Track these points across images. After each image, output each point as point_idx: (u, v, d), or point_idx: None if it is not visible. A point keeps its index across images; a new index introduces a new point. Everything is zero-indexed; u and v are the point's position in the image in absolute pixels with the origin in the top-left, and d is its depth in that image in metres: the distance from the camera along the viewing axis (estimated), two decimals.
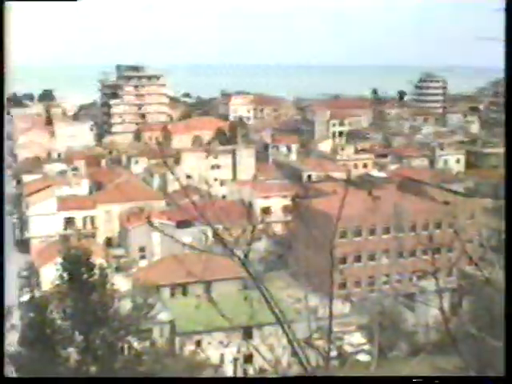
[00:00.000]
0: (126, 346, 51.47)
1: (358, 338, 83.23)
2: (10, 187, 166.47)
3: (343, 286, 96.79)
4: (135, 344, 53.05)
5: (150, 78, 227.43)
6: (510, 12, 13.41)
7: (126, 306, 55.24)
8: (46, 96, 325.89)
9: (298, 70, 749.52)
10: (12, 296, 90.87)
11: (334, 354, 69.86)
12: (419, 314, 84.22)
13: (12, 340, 47.22)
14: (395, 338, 76.96)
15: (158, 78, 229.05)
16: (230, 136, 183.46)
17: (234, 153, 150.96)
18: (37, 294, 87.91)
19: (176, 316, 76.48)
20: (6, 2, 16.03)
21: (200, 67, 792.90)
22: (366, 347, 78.62)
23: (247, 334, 69.92)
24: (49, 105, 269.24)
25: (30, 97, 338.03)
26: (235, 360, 74.97)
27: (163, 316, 74.04)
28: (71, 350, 48.47)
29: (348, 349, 79.23)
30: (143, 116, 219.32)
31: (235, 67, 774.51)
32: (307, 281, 77.49)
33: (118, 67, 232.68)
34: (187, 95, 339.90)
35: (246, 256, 11.12)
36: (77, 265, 47.78)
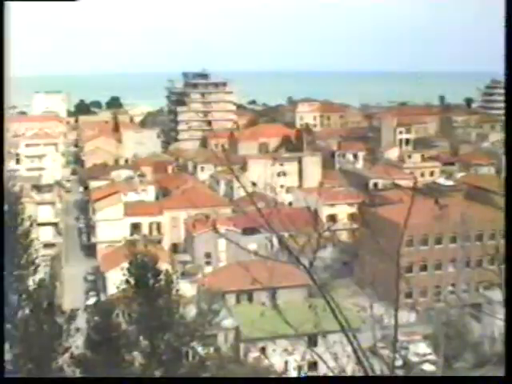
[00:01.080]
0: (190, 351, 51.73)
1: (423, 347, 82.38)
2: (76, 193, 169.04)
3: (409, 295, 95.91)
4: (200, 350, 53.28)
5: (216, 85, 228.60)
6: (510, 12, 13.26)
7: (191, 311, 55.53)
8: (114, 103, 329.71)
9: (364, 76, 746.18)
10: (78, 299, 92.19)
11: (398, 363, 69.25)
12: (485, 325, 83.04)
13: (77, 343, 47.82)
14: (461, 349, 75.96)
15: (224, 85, 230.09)
16: (296, 143, 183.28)
17: (300, 160, 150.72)
18: (102, 297, 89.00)
19: (241, 322, 76.58)
20: (5, 2, 16.11)
21: (266, 74, 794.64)
22: (431, 357, 77.75)
23: (312, 341, 69.65)
24: (116, 112, 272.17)
25: (98, 104, 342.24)
26: (299, 367, 74.74)
27: (228, 322, 74.27)
28: (136, 353, 48.87)
29: (413, 358, 78.46)
30: (210, 123, 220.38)
31: (302, 74, 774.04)
32: (373, 289, 76.95)
33: (185, 75, 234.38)
34: (253, 102, 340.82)
35: (311, 264, 11.11)
36: (143, 270, 48.20)
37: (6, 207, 43.41)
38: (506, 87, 13.31)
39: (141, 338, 48.47)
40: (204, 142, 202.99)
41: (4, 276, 25.63)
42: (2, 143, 18.55)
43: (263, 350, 74.18)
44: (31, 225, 46.31)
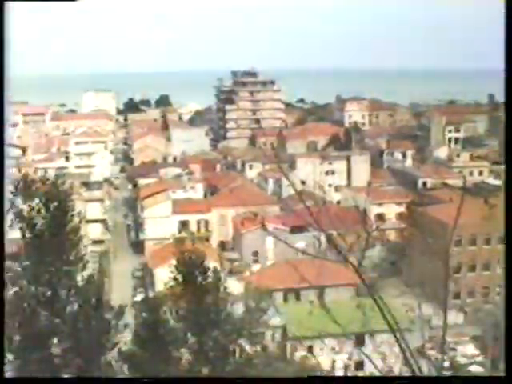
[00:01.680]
0: (237, 349, 51.82)
1: (471, 349, 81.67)
2: (125, 190, 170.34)
3: (457, 295, 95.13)
4: (247, 347, 53.34)
5: (265, 83, 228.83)
6: (510, 12, 13.16)
7: (238, 309, 55.65)
8: (163, 101, 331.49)
9: (413, 75, 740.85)
10: (126, 296, 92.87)
11: (446, 364, 68.72)
12: None
13: (125, 339, 48.16)
14: None
15: (272, 83, 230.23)
16: (344, 142, 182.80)
17: (348, 159, 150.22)
18: (150, 294, 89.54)
19: (288, 321, 76.56)
20: (5, 2, 16.16)
21: (315, 72, 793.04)
22: (479, 359, 77.05)
23: (359, 341, 69.41)
24: (165, 110, 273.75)
25: (147, 102, 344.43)
26: (346, 367, 74.59)
27: (275, 320, 74.30)
28: (183, 350, 49.07)
29: (461, 360, 77.81)
30: (258, 121, 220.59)
31: (351, 72, 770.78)
32: (421, 289, 76.47)
33: (234, 73, 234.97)
34: (302, 101, 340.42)
35: (359, 263, 11.08)
36: (191, 267, 48.38)
37: (55, 204, 43.90)
38: (505, 87, 13.21)
39: (188, 335, 48.66)
40: (252, 141, 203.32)
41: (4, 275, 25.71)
42: (2, 142, 18.74)
43: (310, 348, 74.09)
44: (80, 221, 46.74)
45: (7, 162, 18.06)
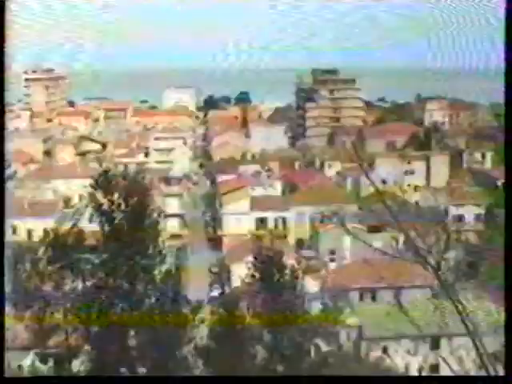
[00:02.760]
0: (313, 347, 51.71)
1: None
2: (204, 186, 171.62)
3: None
4: (322, 346, 53.20)
5: (345, 81, 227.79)
6: (510, 12, 12.84)
7: (315, 307, 55.51)
8: (243, 98, 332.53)
9: (493, 74, 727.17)
10: (202, 291, 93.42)
11: None
12: None
13: (201, 334, 48.47)
14: None
15: (353, 81, 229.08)
16: (424, 141, 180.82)
17: (427, 158, 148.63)
18: (226, 290, 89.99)
19: (364, 321, 76.09)
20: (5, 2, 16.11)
21: (395, 71, 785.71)
22: None
23: (435, 343, 68.64)
24: (245, 107, 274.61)
25: (227, 99, 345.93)
26: (421, 369, 73.80)
27: (351, 320, 73.92)
28: (259, 348, 49.17)
29: None
30: (338, 120, 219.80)
31: (430, 71, 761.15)
32: (499, 293, 75.18)
33: (314, 71, 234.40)
34: (382, 99, 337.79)
35: (438, 264, 10.92)
36: (268, 265, 48.43)
37: (134, 198, 44.41)
38: (505, 87, 12.93)
39: (264, 332, 48.72)
40: (332, 139, 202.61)
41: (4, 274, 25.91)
42: (3, 142, 18.92)
43: (385, 349, 73.55)
44: (159, 216, 47.19)
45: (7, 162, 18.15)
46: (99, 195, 44.13)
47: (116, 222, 44.15)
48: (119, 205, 44.09)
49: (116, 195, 43.90)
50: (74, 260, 45.70)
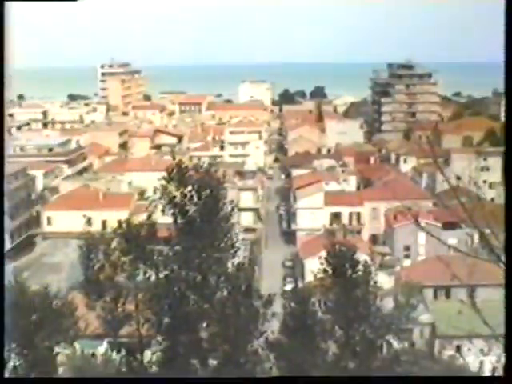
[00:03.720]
0: (385, 344, 51.29)
1: None
2: (278, 180, 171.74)
3: None
4: (395, 343, 52.73)
5: (421, 76, 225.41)
6: (510, 12, 12.45)
7: (388, 304, 55.06)
8: (318, 93, 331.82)
9: None
10: (275, 285, 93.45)
11: None
12: None
13: (273, 328, 48.45)
14: None
15: (429, 76, 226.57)
16: (501, 137, 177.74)
17: (504, 155, 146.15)
18: (299, 284, 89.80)
19: (437, 319, 75.20)
20: (5, 2, 16.03)
21: (473, 66, 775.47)
22: None
23: (509, 343, 67.45)
24: (320, 102, 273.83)
25: (302, 94, 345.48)
26: (494, 369, 72.60)
27: (424, 317, 73.12)
28: (330, 343, 48.95)
29: None
30: (413, 115, 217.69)
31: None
32: None
33: (390, 65, 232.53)
34: (458, 94, 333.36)
35: None
36: (342, 260, 48.16)
37: (207, 191, 44.63)
38: (505, 87, 12.60)
39: (336, 327, 48.51)
40: (407, 134, 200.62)
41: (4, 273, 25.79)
42: (2, 141, 18.89)
43: (458, 348, 72.57)
44: (233, 210, 47.32)
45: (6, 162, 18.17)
46: (172, 188, 44.44)
47: (189, 214, 44.42)
48: (192, 197, 44.36)
49: (189, 188, 44.17)
50: (147, 252, 46.11)
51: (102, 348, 58.68)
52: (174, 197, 44.13)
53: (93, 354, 58.31)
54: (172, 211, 44.28)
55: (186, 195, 44.04)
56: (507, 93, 13.24)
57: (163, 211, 44.55)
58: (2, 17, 16.71)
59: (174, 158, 74.71)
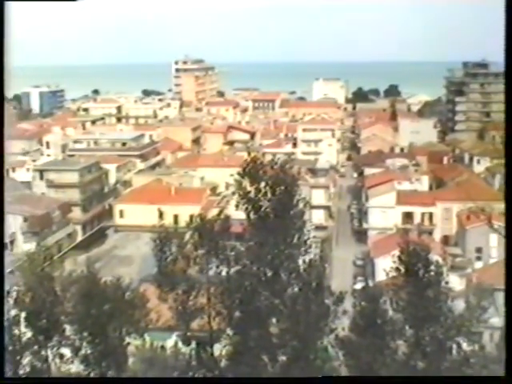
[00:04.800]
0: (455, 346, 50.75)
1: None
2: (350, 178, 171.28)
3: None
4: (464, 345, 52.15)
5: (496, 75, 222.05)
6: (510, 12, 12.25)
7: (459, 305, 54.46)
8: (392, 91, 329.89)
9: None
10: (345, 283, 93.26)
11: None
12: None
13: (343, 325, 48.37)
14: None
15: (503, 75, 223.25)
16: None
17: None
18: (370, 283, 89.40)
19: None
20: (5, 2, 16.01)
21: None
22: None
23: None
24: (394, 100, 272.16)
25: (376, 92, 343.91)
26: None
27: (495, 321, 72.20)
28: (400, 342, 48.65)
29: None
30: (488, 114, 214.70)
31: None
32: None
33: (465, 64, 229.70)
34: None
35: None
36: (415, 259, 47.75)
37: (281, 188, 44.76)
38: (505, 87, 12.46)
39: (406, 327, 48.16)
40: (481, 134, 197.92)
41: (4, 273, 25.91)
42: (2, 141, 18.96)
43: None
44: (305, 207, 47.35)
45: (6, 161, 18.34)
46: (246, 183, 44.69)
47: (262, 210, 44.61)
48: (266, 193, 44.53)
49: (263, 184, 44.35)
50: (219, 246, 46.44)
51: (171, 340, 59.33)
52: (249, 192, 44.36)
53: (162, 347, 58.97)
54: (245, 206, 44.52)
55: (260, 191, 44.23)
56: (507, 92, 13.25)
57: (237, 206, 44.81)
58: (2, 17, 16.89)
59: (249, 154, 74.76)
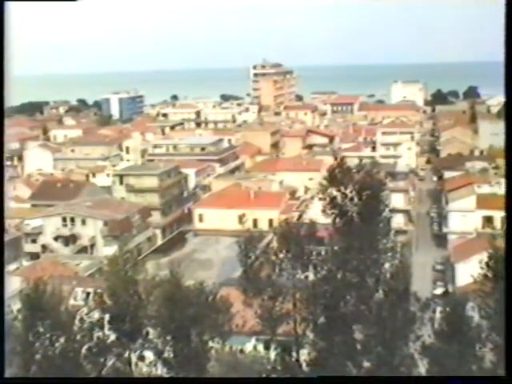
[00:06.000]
0: None
1: None
2: (430, 182, 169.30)
3: None
4: None
5: None
6: (510, 12, 11.69)
7: None
8: (471, 93, 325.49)
9: None
10: (425, 288, 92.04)
11: None
12: None
13: (429, 332, 47.62)
14: None
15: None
16: None
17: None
18: (450, 289, 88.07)
19: None
20: (5, 2, 15.78)
21: None
22: None
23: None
24: (473, 102, 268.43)
25: (455, 94, 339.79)
26: None
27: None
28: (487, 350, 47.70)
29: None
30: None
31: None
32: None
33: None
34: None
35: None
36: (502, 265, 46.78)
37: (368, 192, 44.26)
38: (505, 86, 11.85)
39: (493, 334, 47.20)
40: None
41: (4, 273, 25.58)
42: (2, 142, 18.71)
43: None
44: (390, 211, 46.95)
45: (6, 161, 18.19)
46: (332, 188, 44.39)
47: (348, 214, 44.26)
48: (352, 198, 44.16)
49: (350, 188, 43.99)
50: (305, 251, 46.16)
51: (250, 345, 59.23)
52: (335, 197, 44.04)
53: (241, 351, 58.90)
54: (331, 211, 44.18)
55: (346, 196, 43.89)
56: (507, 93, 12.79)
57: (323, 211, 44.50)
58: (2, 17, 16.90)
59: (335, 159, 74.68)
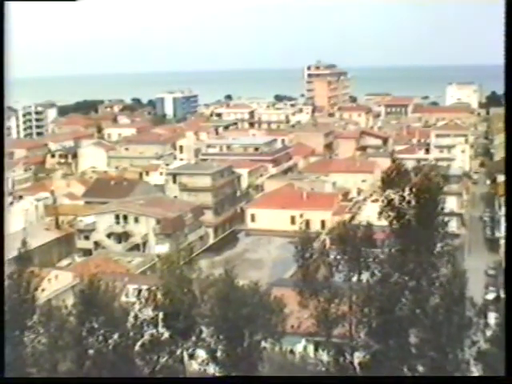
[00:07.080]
0: None
1: None
2: (483, 185, 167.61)
3: None
4: None
5: None
6: (509, 12, 11.45)
7: None
8: None
9: None
10: (477, 293, 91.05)
11: None
12: None
13: (485, 338, 47.03)
14: None
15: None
16: None
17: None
18: (501, 294, 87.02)
19: None
20: (5, 2, 15.65)
21: None
22: None
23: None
24: None
25: None
26: None
27: None
28: None
29: None
30: None
31: None
32: None
33: None
34: None
35: None
36: None
37: (426, 195, 43.76)
38: (505, 87, 11.62)
39: None
40: None
41: (4, 274, 25.08)
42: (3, 142, 18.68)
43: None
44: (448, 215, 46.46)
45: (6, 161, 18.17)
46: (389, 190, 44.10)
47: (406, 217, 43.91)
48: (410, 201, 43.81)
49: (407, 191, 43.66)
50: (362, 253, 45.89)
51: (301, 346, 59.01)
52: (392, 199, 43.72)
53: (291, 351, 58.76)
54: (388, 214, 43.87)
55: (404, 198, 43.57)
56: (507, 93, 12.63)
57: (380, 213, 44.20)
58: (2, 17, 16.92)
59: (393, 161, 74.06)
